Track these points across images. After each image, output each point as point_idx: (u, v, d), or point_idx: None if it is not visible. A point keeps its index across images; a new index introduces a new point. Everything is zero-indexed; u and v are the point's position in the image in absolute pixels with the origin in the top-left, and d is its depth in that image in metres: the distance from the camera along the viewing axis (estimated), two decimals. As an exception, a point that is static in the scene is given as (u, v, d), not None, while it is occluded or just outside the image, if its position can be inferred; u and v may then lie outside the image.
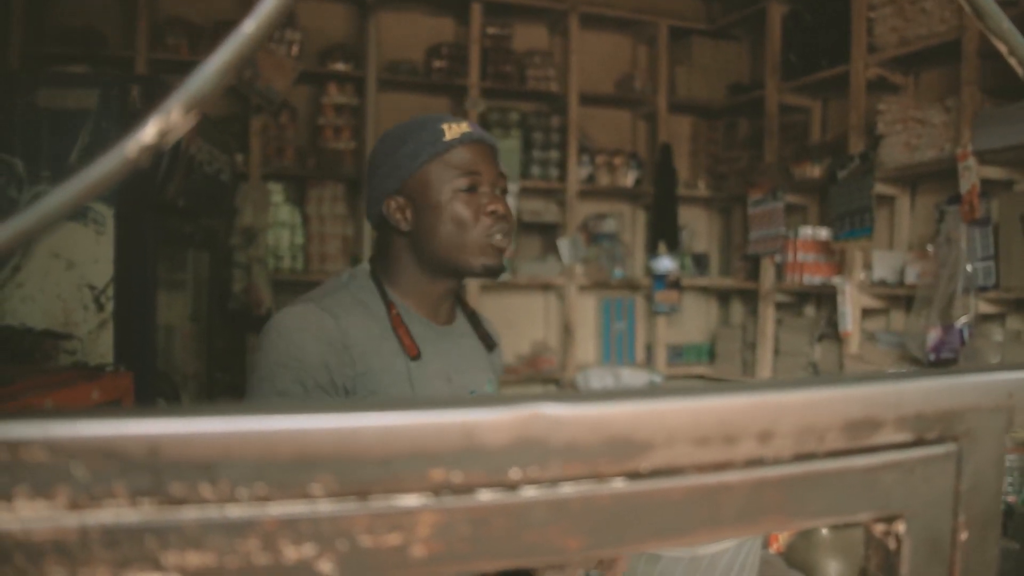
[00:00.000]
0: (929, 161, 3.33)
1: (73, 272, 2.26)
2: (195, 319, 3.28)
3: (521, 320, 4.72)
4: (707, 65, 4.91)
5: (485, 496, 0.30)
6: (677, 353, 4.95)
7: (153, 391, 2.50)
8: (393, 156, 1.36)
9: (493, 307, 4.55)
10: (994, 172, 3.08)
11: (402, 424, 0.28)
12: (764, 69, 4.43)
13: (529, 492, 0.30)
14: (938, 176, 3.40)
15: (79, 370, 2.00)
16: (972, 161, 3.00)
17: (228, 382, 3.87)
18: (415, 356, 1.31)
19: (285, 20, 4.17)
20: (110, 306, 2.26)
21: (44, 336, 2.16)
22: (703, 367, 4.98)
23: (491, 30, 4.59)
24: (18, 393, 1.52)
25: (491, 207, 1.34)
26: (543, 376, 4.63)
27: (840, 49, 3.81)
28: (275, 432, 0.27)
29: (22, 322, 2.21)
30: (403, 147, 1.35)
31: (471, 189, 1.34)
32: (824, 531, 1.58)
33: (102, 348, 2.25)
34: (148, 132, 0.29)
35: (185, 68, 4.07)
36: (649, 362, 4.90)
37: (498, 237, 1.35)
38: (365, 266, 1.41)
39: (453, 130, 1.34)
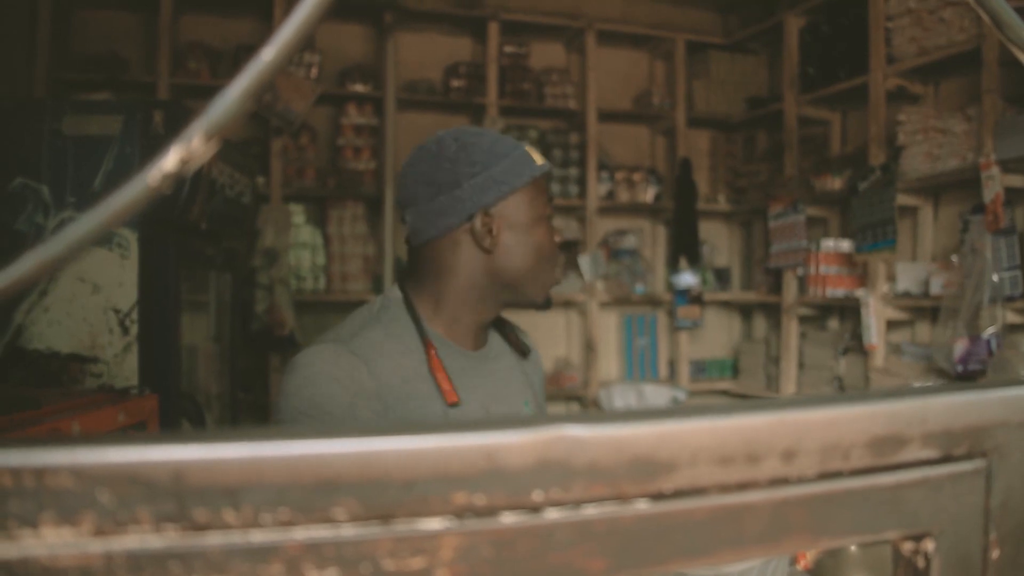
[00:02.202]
0: (951, 171, 3.30)
1: (99, 296, 2.28)
2: (217, 340, 3.31)
3: (543, 337, 4.72)
4: (725, 79, 4.91)
5: (508, 519, 0.29)
6: (700, 368, 4.92)
7: (178, 413, 2.52)
8: (490, 169, 1.26)
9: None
10: (1018, 180, 3.05)
11: (425, 447, 0.28)
12: (782, 82, 4.42)
13: (552, 514, 0.30)
14: (961, 186, 3.37)
15: (105, 393, 2.02)
16: (995, 170, 2.98)
17: (251, 402, 3.89)
18: (454, 404, 1.23)
19: (304, 43, 4.21)
20: (135, 329, 2.28)
21: (70, 360, 2.18)
22: (727, 382, 4.94)
23: (508, 48, 4.61)
24: (45, 417, 1.53)
25: (558, 239, 1.34)
26: (566, 393, 4.61)
27: (858, 60, 3.79)
28: (298, 457, 0.28)
29: (49, 346, 2.23)
30: (502, 162, 1.27)
31: (550, 218, 1.33)
32: (853, 547, 1.56)
33: (127, 371, 2.27)
34: (170, 160, 0.29)
35: (206, 92, 4.14)
36: (672, 378, 4.87)
37: (558, 271, 1.36)
38: (397, 293, 1.32)
39: (536, 157, 1.31)
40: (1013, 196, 3.05)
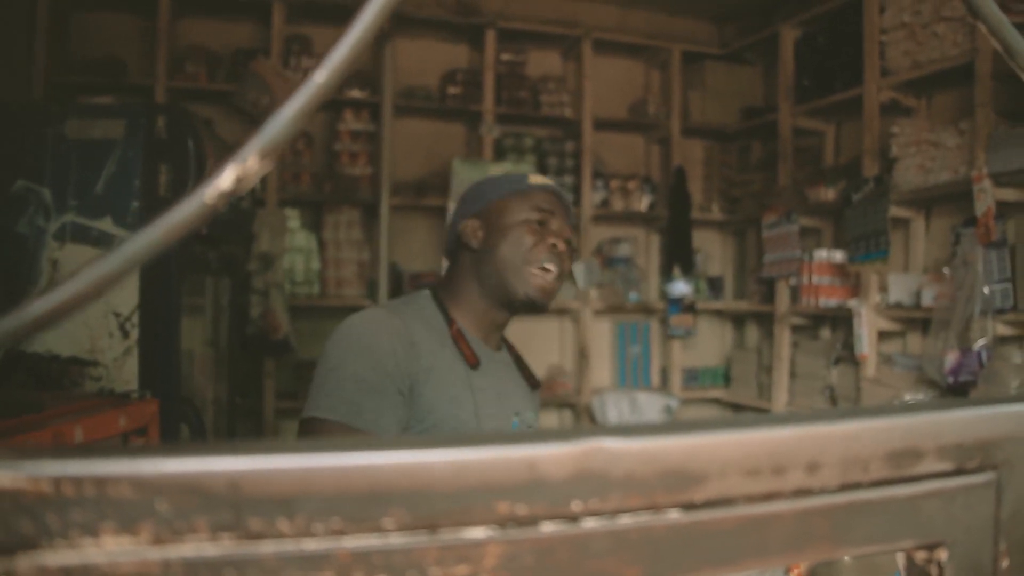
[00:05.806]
0: (944, 183, 3.33)
1: (99, 299, 2.28)
2: (214, 344, 3.30)
3: (536, 344, 4.72)
4: (720, 89, 4.93)
5: (548, 527, 0.31)
6: (692, 377, 4.93)
7: (177, 417, 2.51)
8: (478, 189, 1.57)
9: (510, 332, 4.55)
10: (1009, 194, 3.07)
11: (470, 458, 0.30)
12: (777, 93, 4.44)
13: (590, 523, 0.31)
14: (953, 198, 3.40)
15: (106, 397, 2.02)
16: (987, 183, 3.00)
17: (248, 407, 3.88)
18: (475, 365, 1.44)
19: (301, 48, 4.22)
20: (135, 333, 2.28)
21: (71, 363, 2.18)
22: (718, 391, 4.96)
23: (505, 56, 4.62)
24: (48, 420, 1.53)
25: (552, 240, 1.49)
26: (559, 400, 4.62)
27: (853, 72, 3.82)
28: (350, 467, 0.29)
29: (49, 349, 2.23)
30: (489, 183, 1.57)
31: (540, 224, 1.50)
32: (846, 556, 1.57)
33: (127, 375, 2.27)
34: (226, 178, 0.30)
35: (204, 96, 4.14)
36: (664, 386, 4.88)
37: (548, 266, 1.48)
38: (426, 291, 1.55)
39: (537, 179, 1.56)
40: (1005, 209, 3.07)
